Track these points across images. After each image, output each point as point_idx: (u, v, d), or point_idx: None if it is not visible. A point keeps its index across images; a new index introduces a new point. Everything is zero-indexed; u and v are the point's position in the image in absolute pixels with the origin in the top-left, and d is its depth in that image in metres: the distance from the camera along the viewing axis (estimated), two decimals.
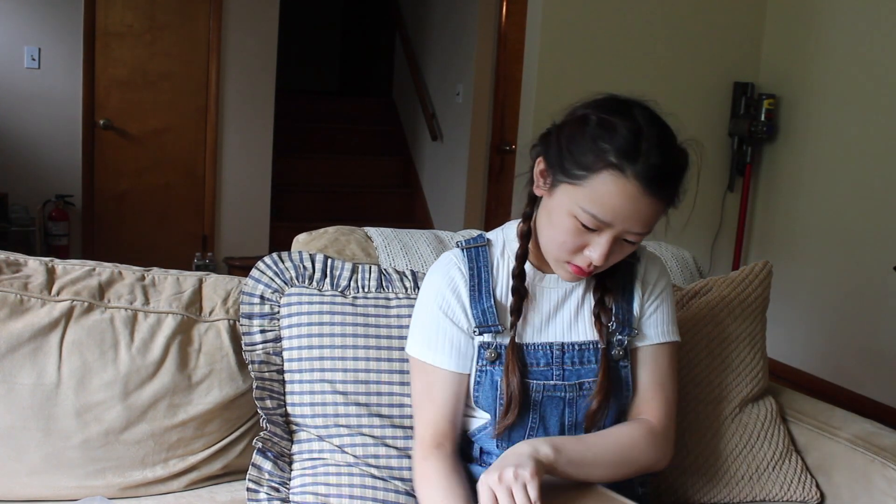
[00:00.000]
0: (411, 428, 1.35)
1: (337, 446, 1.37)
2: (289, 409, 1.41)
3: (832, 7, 3.89)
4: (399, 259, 1.60)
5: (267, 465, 1.36)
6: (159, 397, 1.39)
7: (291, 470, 1.38)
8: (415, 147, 6.03)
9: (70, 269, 1.46)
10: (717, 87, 4.19)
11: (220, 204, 5.13)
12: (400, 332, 1.41)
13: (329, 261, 1.49)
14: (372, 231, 1.67)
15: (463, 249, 1.32)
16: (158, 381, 1.39)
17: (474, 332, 1.27)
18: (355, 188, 5.92)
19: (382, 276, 1.49)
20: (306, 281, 1.46)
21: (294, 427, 1.41)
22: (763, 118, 4.10)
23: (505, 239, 1.33)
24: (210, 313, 1.48)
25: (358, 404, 1.38)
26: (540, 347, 1.27)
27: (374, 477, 1.35)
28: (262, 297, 1.44)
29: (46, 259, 1.47)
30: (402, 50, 6.05)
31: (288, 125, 5.65)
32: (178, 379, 1.40)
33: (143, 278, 1.49)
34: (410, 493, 1.34)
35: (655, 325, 1.33)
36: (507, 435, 1.26)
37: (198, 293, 1.50)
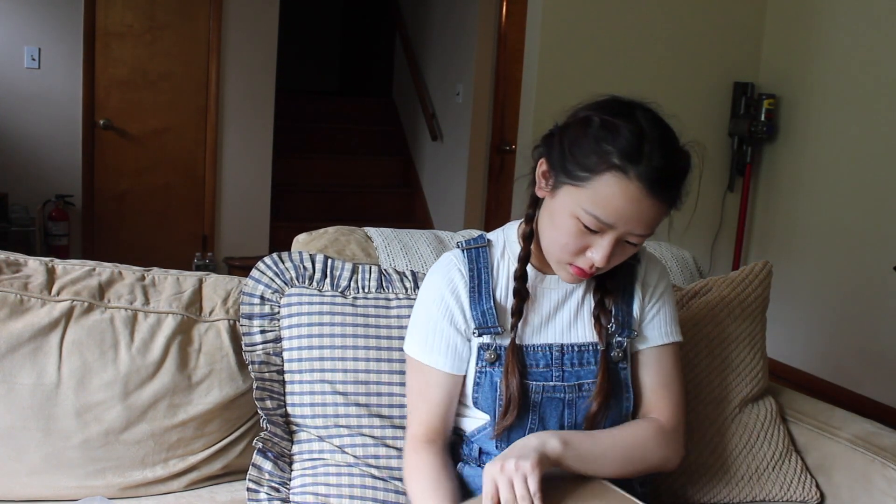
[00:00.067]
0: None
1: (337, 447, 1.37)
2: (289, 409, 1.41)
3: (832, 7, 3.89)
4: (399, 259, 1.60)
5: (267, 466, 1.36)
6: (159, 397, 1.39)
7: (291, 470, 1.38)
8: (415, 147, 6.03)
9: (70, 269, 1.46)
10: (717, 87, 4.19)
11: (220, 204, 5.13)
12: (400, 333, 1.41)
13: (329, 261, 1.49)
14: (372, 231, 1.67)
15: (463, 250, 1.31)
16: (158, 381, 1.39)
17: (474, 333, 1.27)
18: (355, 188, 5.92)
19: (382, 277, 1.49)
20: (306, 281, 1.46)
21: (294, 427, 1.41)
22: (763, 118, 4.10)
23: (505, 240, 1.33)
24: (210, 313, 1.48)
25: (358, 405, 1.38)
26: (539, 348, 1.27)
27: (374, 477, 1.36)
28: (262, 298, 1.44)
29: (46, 259, 1.47)
30: (402, 50, 6.05)
31: (288, 125, 5.65)
32: (178, 379, 1.40)
33: (143, 278, 1.49)
34: None
35: (658, 327, 1.33)
36: (507, 436, 1.26)
37: (198, 293, 1.50)
